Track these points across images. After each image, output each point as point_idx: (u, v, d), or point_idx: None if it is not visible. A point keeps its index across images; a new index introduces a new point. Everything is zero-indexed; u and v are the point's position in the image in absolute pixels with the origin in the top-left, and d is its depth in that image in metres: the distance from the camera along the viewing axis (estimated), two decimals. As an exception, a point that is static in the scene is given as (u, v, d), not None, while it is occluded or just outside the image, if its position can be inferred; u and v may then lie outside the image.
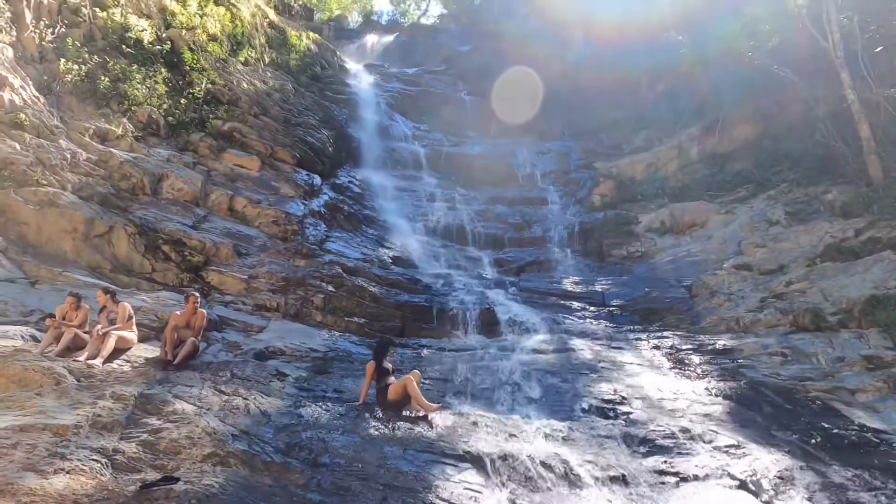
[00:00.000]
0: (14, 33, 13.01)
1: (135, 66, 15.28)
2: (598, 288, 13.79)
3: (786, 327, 11.10)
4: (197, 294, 8.55)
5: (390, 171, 19.89)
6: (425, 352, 10.31)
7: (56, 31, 14.19)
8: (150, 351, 8.38)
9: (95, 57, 14.48)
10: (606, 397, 8.49)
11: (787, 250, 13.62)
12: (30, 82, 13.00)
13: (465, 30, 31.46)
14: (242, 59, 19.32)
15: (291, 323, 11.11)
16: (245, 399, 6.97)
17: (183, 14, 17.58)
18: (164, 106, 15.42)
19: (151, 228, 12.11)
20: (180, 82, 16.45)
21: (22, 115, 12.13)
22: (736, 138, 18.79)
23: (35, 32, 13.62)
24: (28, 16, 13.56)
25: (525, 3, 29.47)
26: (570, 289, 13.74)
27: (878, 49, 15.26)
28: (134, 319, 8.22)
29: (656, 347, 10.84)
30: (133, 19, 15.99)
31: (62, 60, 13.76)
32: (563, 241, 16.62)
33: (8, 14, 12.86)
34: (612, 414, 8.00)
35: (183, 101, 15.98)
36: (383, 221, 16.73)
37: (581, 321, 12.28)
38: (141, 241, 11.85)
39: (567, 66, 27.21)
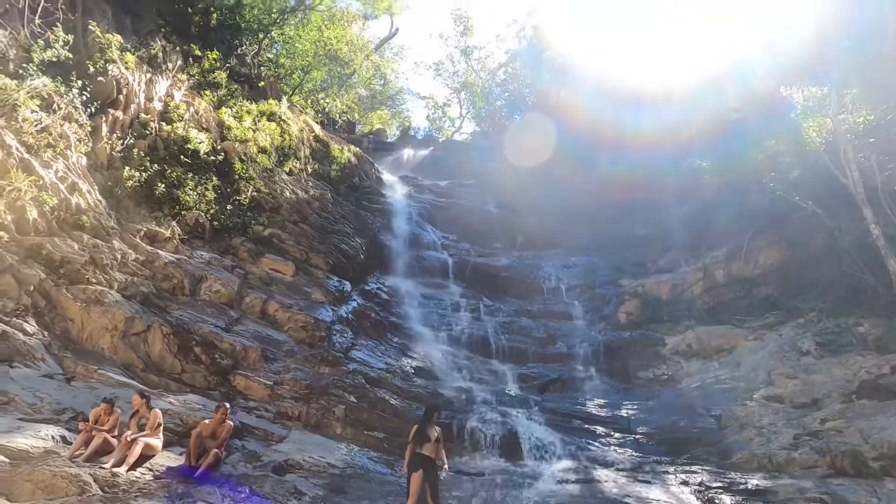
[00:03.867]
0: (90, 144, 14.40)
1: (190, 174, 16.55)
2: (623, 413, 13.47)
3: (823, 469, 10.60)
4: (228, 406, 8.74)
5: (418, 278, 20.41)
6: (442, 474, 10.05)
7: (125, 142, 15.62)
8: (173, 459, 8.43)
9: (156, 165, 15.77)
10: (632, 539, 8.09)
11: (820, 383, 13.25)
12: (96, 187, 14.16)
13: (496, 147, 33.35)
14: (287, 170, 20.75)
15: (312, 434, 11.07)
16: (262, 520, 6.89)
17: (238, 128, 19.23)
18: (212, 211, 16.48)
19: (186, 329, 12.54)
20: (228, 189, 17.66)
21: (84, 218, 13.12)
22: (762, 263, 18.90)
23: (108, 143, 15.04)
24: (104, 129, 15.05)
25: (553, 123, 31.31)
26: (594, 412, 13.45)
27: (899, 186, 15.64)
28: (162, 426, 8.36)
29: (684, 483, 10.39)
30: (193, 132, 17.54)
31: (126, 168, 15.04)
32: (588, 359, 16.47)
33: (88, 128, 14.33)
34: (638, 559, 7.59)
35: (229, 206, 17.07)
36: (408, 329, 16.93)
37: (605, 448, 11.91)
38: (175, 341, 12.24)
39: (593, 184, 28.34)
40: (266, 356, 12.98)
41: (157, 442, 8.14)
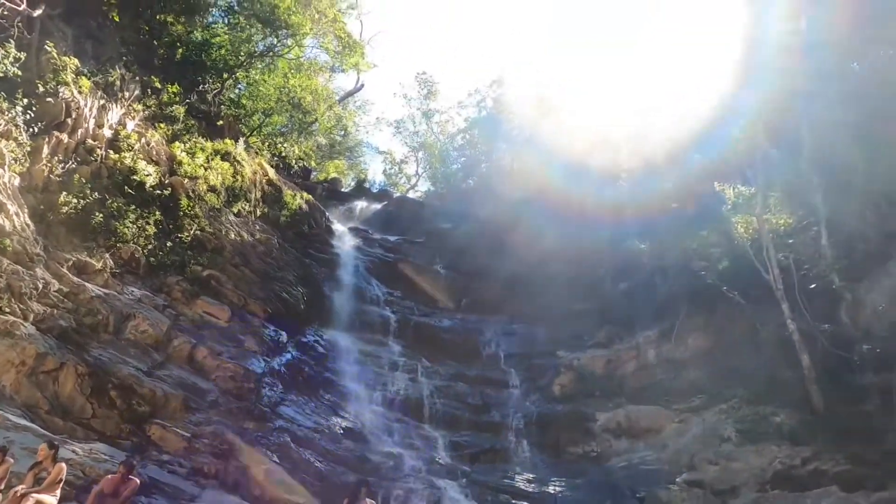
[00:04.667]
0: (27, 164, 13.74)
1: (132, 206, 15.98)
2: (551, 489, 13.42)
3: (739, 560, 10.81)
4: (134, 462, 8.13)
5: (358, 333, 20.05)
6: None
7: (66, 166, 15.01)
8: (67, 518, 7.71)
9: (96, 194, 15.14)
10: None
11: (738, 471, 13.71)
12: (26, 210, 13.41)
13: (448, 208, 34.01)
14: (235, 211, 20.35)
15: (227, 495, 10.44)
16: None
17: (189, 165, 18.84)
18: (150, 246, 15.87)
19: (104, 370, 11.77)
20: (171, 226, 17.11)
21: (7, 241, 12.32)
22: (691, 347, 19.69)
23: (47, 166, 14.39)
24: (45, 150, 14.44)
25: (503, 193, 32.37)
26: (522, 487, 13.33)
27: (813, 286, 16.90)
28: (62, 482, 7.68)
29: (606, 568, 10.33)
30: (142, 164, 17.05)
31: (64, 193, 14.37)
32: (520, 431, 16.45)
33: (28, 148, 13.72)
34: None
35: (169, 243, 16.49)
36: (342, 386, 16.49)
37: (531, 526, 11.75)
38: (89, 382, 11.44)
39: (539, 254, 29.16)
40: (188, 405, 12.29)
41: (51, 499, 7.43)
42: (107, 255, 14.70)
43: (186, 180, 18.41)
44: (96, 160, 16.03)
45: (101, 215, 14.91)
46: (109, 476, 8.04)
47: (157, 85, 19.77)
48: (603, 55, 34.96)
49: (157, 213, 16.73)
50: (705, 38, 26.13)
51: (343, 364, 17.70)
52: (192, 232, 17.37)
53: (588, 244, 27.55)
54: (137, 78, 19.17)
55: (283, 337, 16.58)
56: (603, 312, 23.90)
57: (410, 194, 40.89)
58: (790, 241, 17.67)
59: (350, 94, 39.01)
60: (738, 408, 16.25)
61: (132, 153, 17.00)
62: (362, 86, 39.32)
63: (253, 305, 16.78)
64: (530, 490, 13.28)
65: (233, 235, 18.74)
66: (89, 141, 16.15)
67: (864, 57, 19.59)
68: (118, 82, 17.91)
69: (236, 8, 24.60)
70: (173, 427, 11.50)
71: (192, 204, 17.93)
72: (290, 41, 25.40)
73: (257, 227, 20.73)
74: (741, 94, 21.08)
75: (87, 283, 13.54)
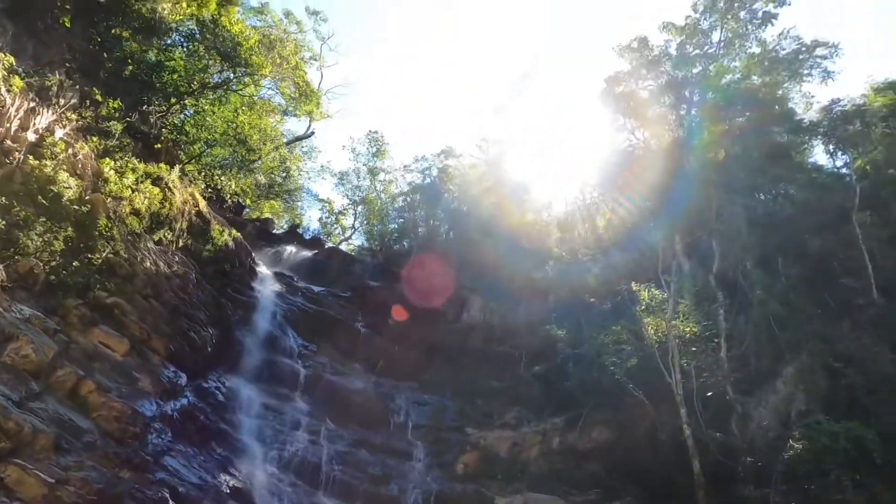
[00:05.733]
0: (-72, 158, 12.65)
1: (42, 218, 14.87)
2: (440, 576, 12.95)
3: None
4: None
5: (264, 384, 19.12)
6: None
7: (-24, 165, 13.93)
8: None
9: (3, 199, 14.06)
10: None
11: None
12: (-85, 206, 12.23)
13: (379, 266, 33.92)
14: (156, 238, 19.36)
15: (83, 555, 9.32)
16: None
17: (116, 184, 17.90)
18: (53, 263, 14.69)
19: (-33, 395, 10.52)
20: (82, 245, 15.97)
21: None
22: (594, 439, 20.19)
23: (-49, 161, 13.30)
24: (-47, 145, 13.39)
25: (435, 261, 32.83)
26: (411, 571, 12.79)
27: (709, 394, 17.99)
28: None
29: None
30: (63, 175, 16.01)
31: (-36, 194, 13.26)
32: (417, 509, 15.96)
33: (-68, 140, 12.66)
34: None
35: (76, 263, 15.34)
36: (237, 441, 15.50)
37: None
38: (-55, 408, 10.16)
39: (461, 324, 29.48)
40: (59, 445, 11.08)
41: None
42: (1, 267, 13.47)
43: (110, 199, 17.43)
44: (11, 163, 14.96)
45: (3, 222, 13.77)
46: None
47: (98, 97, 19.02)
48: (549, 136, 37.26)
49: (70, 229, 15.60)
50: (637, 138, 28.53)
51: (242, 416, 16.72)
52: (104, 254, 16.26)
53: (510, 322, 28.29)
54: (77, 87, 18.40)
55: (183, 380, 15.52)
56: (515, 393, 24.19)
57: (343, 246, 40.54)
58: (693, 348, 18.87)
59: (299, 139, 38.99)
60: (631, 506, 16.63)
61: (55, 162, 16.01)
62: (313, 133, 39.51)
63: (156, 341, 15.69)
64: (419, 575, 12.77)
65: (148, 264, 17.73)
66: (8, 142, 15.12)
67: (769, 191, 22.06)
68: (55, 88, 17.10)
69: (198, 37, 24.40)
70: (35, 470, 10.28)
71: (110, 225, 16.91)
72: (247, 79, 25.35)
73: (176, 259, 19.75)
74: (665, 199, 22.98)
75: (-31, 295, 12.29)
